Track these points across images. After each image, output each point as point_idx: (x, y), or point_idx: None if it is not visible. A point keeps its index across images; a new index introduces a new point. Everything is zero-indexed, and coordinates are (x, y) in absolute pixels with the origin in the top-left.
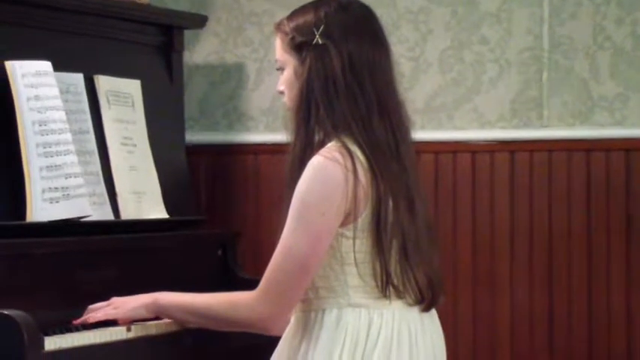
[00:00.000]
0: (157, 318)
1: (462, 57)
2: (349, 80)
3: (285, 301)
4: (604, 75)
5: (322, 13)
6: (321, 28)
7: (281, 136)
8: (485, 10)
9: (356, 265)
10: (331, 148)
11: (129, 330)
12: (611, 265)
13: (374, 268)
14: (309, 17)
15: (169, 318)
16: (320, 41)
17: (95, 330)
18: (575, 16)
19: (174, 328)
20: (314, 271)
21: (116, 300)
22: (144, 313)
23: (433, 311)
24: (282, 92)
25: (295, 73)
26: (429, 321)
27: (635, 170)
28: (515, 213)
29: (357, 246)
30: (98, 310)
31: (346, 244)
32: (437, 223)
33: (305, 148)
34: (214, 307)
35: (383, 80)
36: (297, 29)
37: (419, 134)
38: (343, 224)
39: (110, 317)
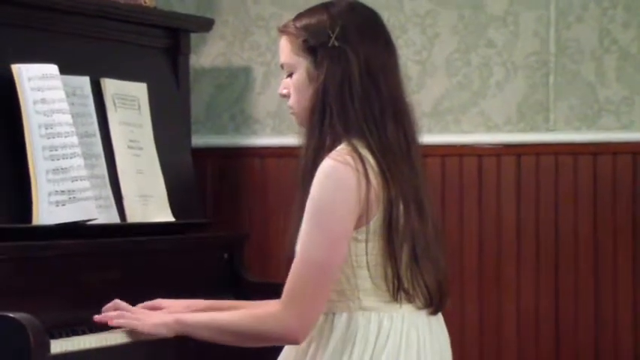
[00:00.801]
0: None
1: (469, 60)
2: (366, 83)
3: (310, 309)
4: (610, 78)
5: (335, 15)
6: (337, 30)
7: (288, 139)
8: (491, 14)
9: (368, 268)
10: (341, 152)
11: None
12: (617, 268)
13: (385, 272)
14: (323, 19)
15: (193, 336)
16: (336, 44)
17: (100, 333)
18: (581, 19)
19: None
20: (336, 276)
21: (142, 311)
22: (164, 332)
23: (440, 314)
24: (284, 96)
25: (308, 75)
26: (437, 324)
27: None
28: (522, 216)
29: (368, 249)
30: (121, 316)
31: (358, 247)
32: (444, 226)
33: (317, 151)
34: (240, 323)
35: (395, 82)
36: (309, 31)
37: (425, 138)
38: (355, 227)
39: (131, 327)
